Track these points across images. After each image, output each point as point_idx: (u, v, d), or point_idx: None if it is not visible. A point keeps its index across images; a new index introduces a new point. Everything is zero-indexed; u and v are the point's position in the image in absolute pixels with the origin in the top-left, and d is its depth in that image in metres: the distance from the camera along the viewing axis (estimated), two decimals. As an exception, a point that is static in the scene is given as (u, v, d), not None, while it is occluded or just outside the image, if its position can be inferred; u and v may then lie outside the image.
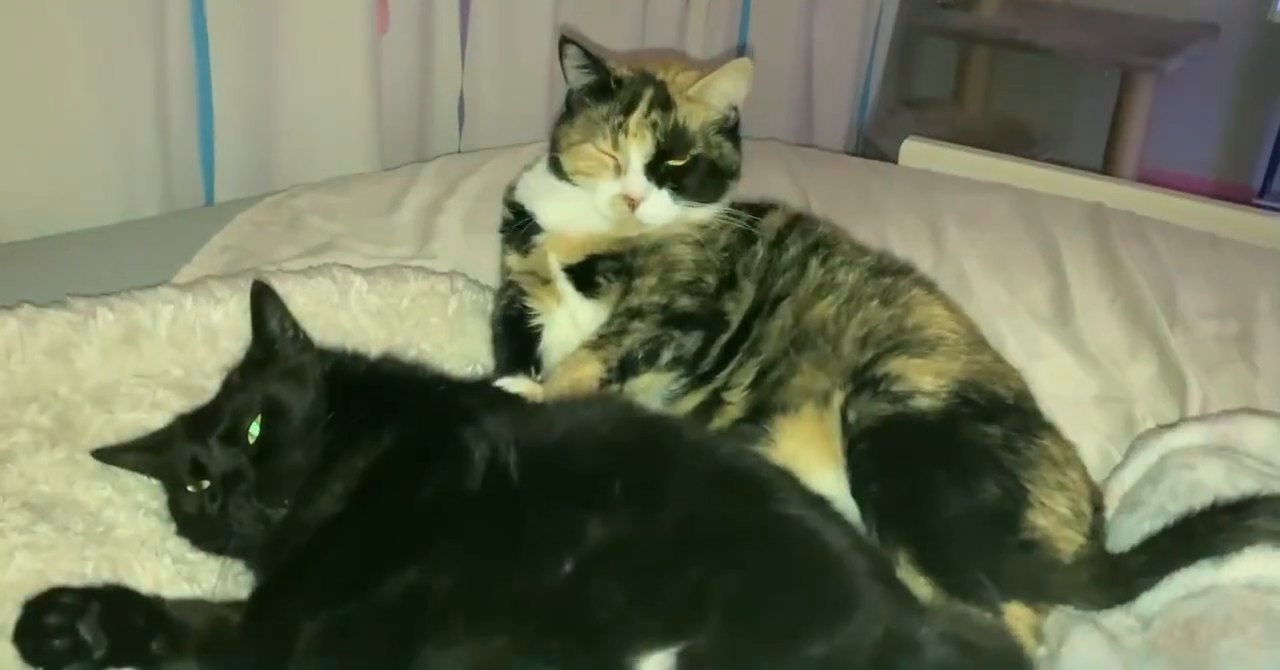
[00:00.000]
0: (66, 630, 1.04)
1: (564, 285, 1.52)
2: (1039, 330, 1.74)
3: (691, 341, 1.44)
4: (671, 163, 1.47)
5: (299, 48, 2.04)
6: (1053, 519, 1.25)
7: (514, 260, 1.57)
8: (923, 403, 1.30)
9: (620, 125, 1.47)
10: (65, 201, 1.83)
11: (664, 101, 1.49)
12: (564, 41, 1.50)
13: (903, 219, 2.01)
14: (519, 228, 1.57)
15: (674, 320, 1.44)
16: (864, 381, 1.34)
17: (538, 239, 1.54)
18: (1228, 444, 1.36)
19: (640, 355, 1.43)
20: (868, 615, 1.03)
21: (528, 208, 1.56)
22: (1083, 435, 1.44)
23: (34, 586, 1.11)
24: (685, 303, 1.45)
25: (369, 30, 2.10)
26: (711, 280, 1.48)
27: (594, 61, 1.50)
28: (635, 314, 1.45)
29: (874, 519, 1.25)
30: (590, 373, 1.41)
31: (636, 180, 1.46)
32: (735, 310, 1.47)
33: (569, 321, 1.52)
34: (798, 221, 1.57)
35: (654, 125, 1.47)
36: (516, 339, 1.54)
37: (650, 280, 1.47)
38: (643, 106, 1.48)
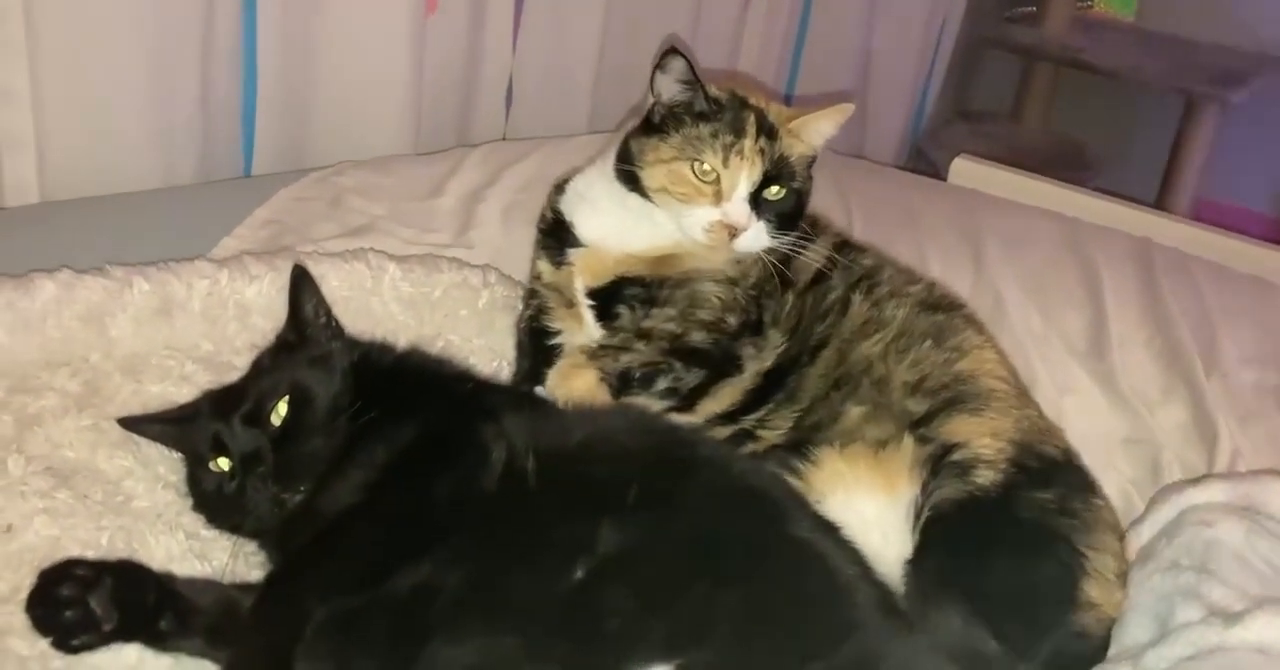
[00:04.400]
0: (78, 602, 1.06)
1: (586, 312, 1.48)
2: (1072, 363, 1.72)
3: (692, 377, 1.40)
4: (768, 194, 1.41)
5: (344, 26, 2.04)
6: (1105, 586, 1.25)
7: (545, 268, 1.53)
8: (984, 476, 1.28)
9: (733, 146, 1.39)
10: (106, 164, 1.83)
11: (769, 130, 1.42)
12: (671, 52, 1.40)
13: (944, 237, 1.99)
14: (556, 236, 1.52)
15: (680, 352, 1.40)
16: (933, 455, 1.30)
17: (572, 254, 1.49)
18: (1250, 504, 1.33)
19: (636, 376, 1.39)
20: (865, 641, 1.03)
21: (567, 218, 1.51)
22: (1106, 476, 1.42)
23: (48, 552, 1.13)
24: (699, 338, 1.40)
25: (417, 11, 2.10)
26: (733, 321, 1.42)
27: (696, 78, 1.41)
28: (643, 335, 1.41)
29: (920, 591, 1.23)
30: (587, 385, 1.38)
31: (741, 208, 1.39)
32: (753, 357, 1.41)
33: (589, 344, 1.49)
34: (840, 251, 1.49)
35: (762, 152, 1.40)
36: (539, 352, 1.51)
37: (671, 311, 1.42)
38: (752, 131, 1.40)
